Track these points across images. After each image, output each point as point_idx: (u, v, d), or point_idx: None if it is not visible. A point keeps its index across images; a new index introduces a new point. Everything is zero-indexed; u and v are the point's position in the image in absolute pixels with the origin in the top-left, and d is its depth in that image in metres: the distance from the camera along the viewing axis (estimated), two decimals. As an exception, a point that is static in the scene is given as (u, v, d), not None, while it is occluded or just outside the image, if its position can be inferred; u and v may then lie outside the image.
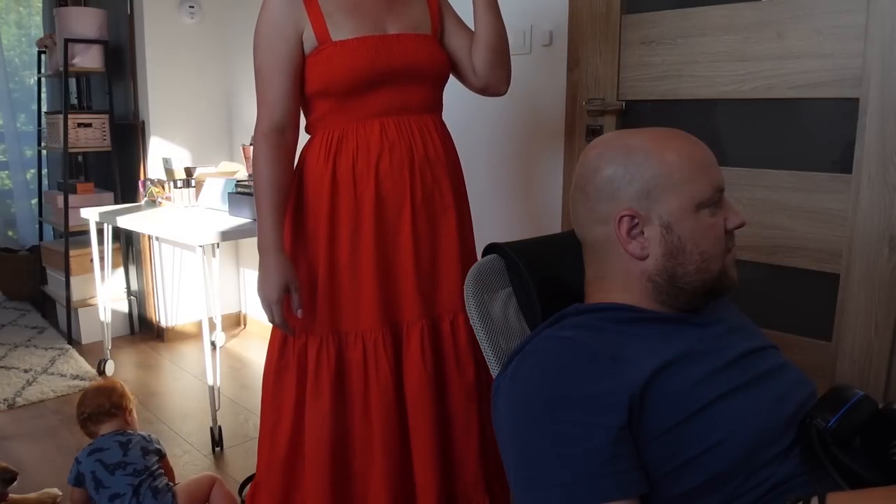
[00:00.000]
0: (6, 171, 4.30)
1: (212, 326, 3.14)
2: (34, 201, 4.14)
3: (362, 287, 1.42)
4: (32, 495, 1.92)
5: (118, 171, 3.38)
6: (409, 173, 1.40)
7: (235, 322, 3.60)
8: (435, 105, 1.47)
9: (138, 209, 2.85)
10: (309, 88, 1.41)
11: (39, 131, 3.84)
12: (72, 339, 3.33)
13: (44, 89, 3.98)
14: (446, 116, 1.55)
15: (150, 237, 3.32)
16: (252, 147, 1.44)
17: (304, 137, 1.49)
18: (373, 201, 1.39)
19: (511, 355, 0.91)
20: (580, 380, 0.81)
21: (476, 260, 1.53)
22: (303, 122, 1.48)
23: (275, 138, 1.39)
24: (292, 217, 1.48)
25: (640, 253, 0.91)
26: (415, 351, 1.42)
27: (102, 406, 1.81)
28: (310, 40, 1.37)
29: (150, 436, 1.82)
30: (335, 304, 1.43)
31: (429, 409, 1.42)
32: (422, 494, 1.44)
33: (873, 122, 1.44)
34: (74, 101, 3.82)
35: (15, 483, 1.75)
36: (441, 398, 1.46)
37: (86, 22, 3.19)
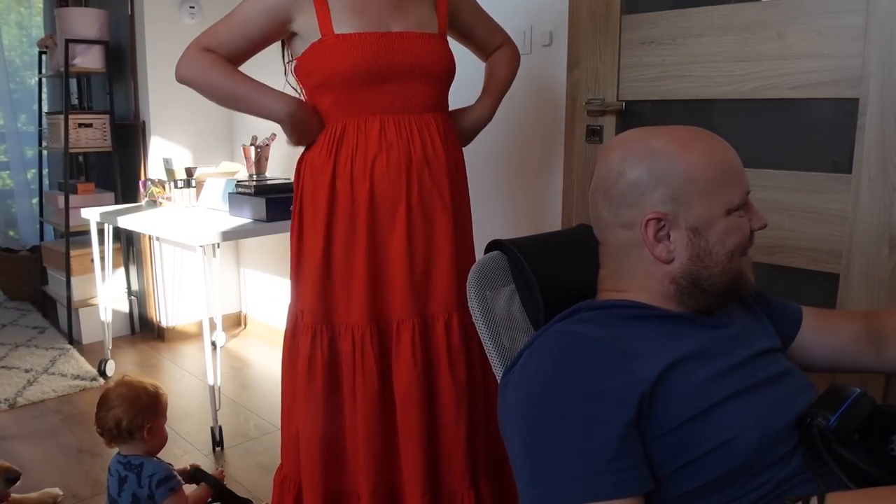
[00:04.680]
0: (7, 171, 4.30)
1: (212, 326, 3.14)
2: (35, 201, 4.14)
3: (354, 283, 1.44)
4: (33, 495, 1.93)
5: (119, 172, 3.38)
6: (405, 173, 1.41)
7: (236, 322, 3.60)
8: (438, 104, 1.48)
9: (139, 209, 2.86)
10: (312, 80, 1.43)
11: (40, 131, 3.85)
12: (72, 339, 3.33)
13: (44, 89, 3.98)
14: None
15: (150, 237, 3.32)
16: (182, 59, 1.45)
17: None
18: (367, 200, 1.41)
19: (522, 349, 0.91)
20: (589, 375, 0.80)
21: (475, 260, 1.54)
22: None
23: (210, 52, 1.43)
24: (295, 210, 1.51)
25: (667, 256, 0.90)
26: (406, 348, 1.45)
27: (118, 426, 1.58)
28: (312, 30, 1.39)
29: (152, 476, 1.58)
30: (329, 296, 1.45)
31: (417, 406, 1.44)
32: (408, 486, 1.47)
33: (873, 122, 1.44)
34: (75, 101, 3.82)
35: (17, 483, 1.75)
36: (431, 395, 1.48)
37: (86, 22, 3.19)
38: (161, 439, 1.67)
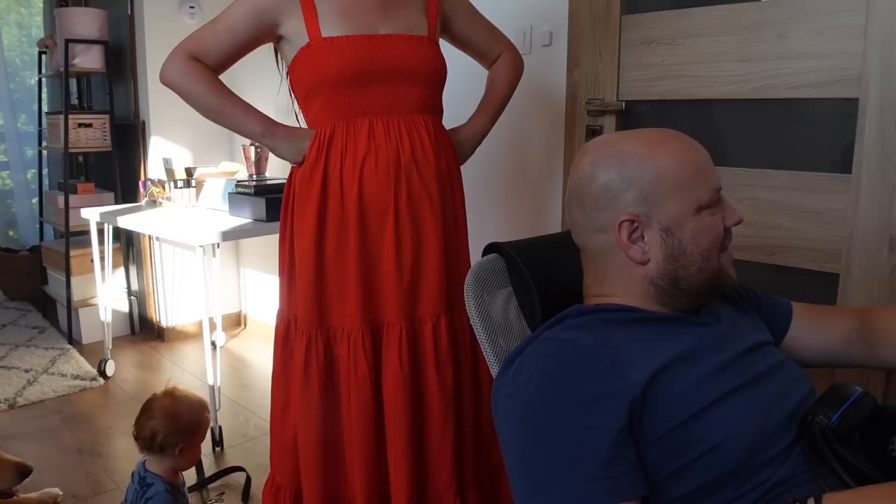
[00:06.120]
0: (7, 171, 4.30)
1: (212, 326, 3.14)
2: (35, 201, 4.14)
3: (347, 286, 1.43)
4: (34, 495, 1.92)
5: (119, 172, 3.38)
6: (394, 176, 1.41)
7: (236, 322, 3.60)
8: (429, 106, 1.47)
9: (139, 209, 2.85)
10: (302, 86, 1.43)
11: (40, 131, 3.85)
12: (72, 339, 3.33)
13: (44, 89, 3.98)
14: (446, 116, 1.55)
15: (150, 237, 3.32)
16: (168, 63, 1.47)
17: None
18: (357, 202, 1.41)
19: (510, 357, 0.91)
20: (580, 383, 0.80)
21: (468, 263, 1.53)
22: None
23: (196, 61, 1.45)
24: (286, 214, 1.51)
25: (642, 258, 0.91)
26: (393, 353, 1.44)
27: (153, 438, 1.55)
28: (300, 35, 1.39)
29: (147, 501, 1.54)
30: (323, 300, 1.45)
31: (403, 411, 1.44)
32: (394, 492, 1.46)
33: (873, 122, 1.44)
34: (75, 101, 3.82)
35: (28, 478, 1.75)
36: (418, 401, 1.47)
37: (86, 22, 3.19)
38: (192, 459, 1.63)
